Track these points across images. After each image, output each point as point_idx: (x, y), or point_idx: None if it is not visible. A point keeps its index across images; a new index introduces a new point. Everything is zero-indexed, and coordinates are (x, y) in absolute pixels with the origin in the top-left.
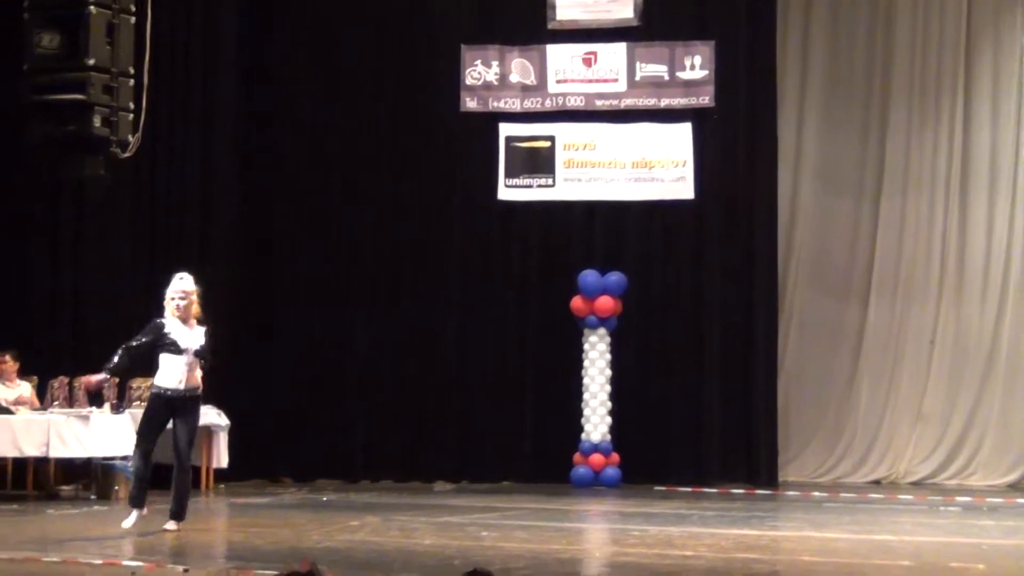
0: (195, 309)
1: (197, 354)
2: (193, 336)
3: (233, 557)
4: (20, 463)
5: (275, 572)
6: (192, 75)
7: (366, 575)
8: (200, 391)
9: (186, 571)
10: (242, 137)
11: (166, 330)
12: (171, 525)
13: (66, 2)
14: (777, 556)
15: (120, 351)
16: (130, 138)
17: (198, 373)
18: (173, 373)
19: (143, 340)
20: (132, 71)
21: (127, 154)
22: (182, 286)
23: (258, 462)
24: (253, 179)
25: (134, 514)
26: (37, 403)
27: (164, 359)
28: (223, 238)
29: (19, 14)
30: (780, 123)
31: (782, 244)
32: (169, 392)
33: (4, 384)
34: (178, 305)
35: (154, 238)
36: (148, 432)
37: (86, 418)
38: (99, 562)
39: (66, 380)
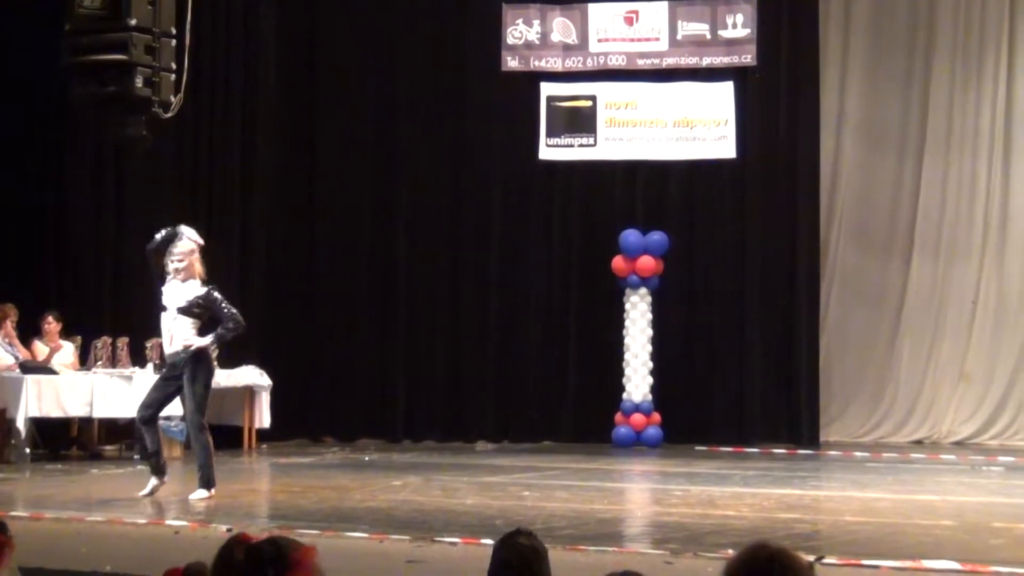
0: (197, 268)
1: (181, 311)
2: (180, 293)
3: (276, 517)
4: (64, 423)
5: (317, 532)
6: (234, 35)
7: (408, 534)
8: (192, 349)
9: (229, 531)
10: (283, 96)
11: (162, 289)
12: (197, 494)
13: None
14: (819, 516)
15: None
16: (172, 98)
17: (188, 333)
18: (164, 334)
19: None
20: (174, 31)
21: (169, 114)
22: (179, 247)
23: (300, 422)
24: (294, 138)
25: (152, 480)
26: (78, 364)
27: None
28: (265, 198)
29: None
30: (822, 81)
31: (824, 203)
32: (167, 357)
33: (47, 345)
34: (176, 268)
35: (195, 198)
36: (145, 398)
37: (129, 378)
38: (143, 522)
39: (109, 340)
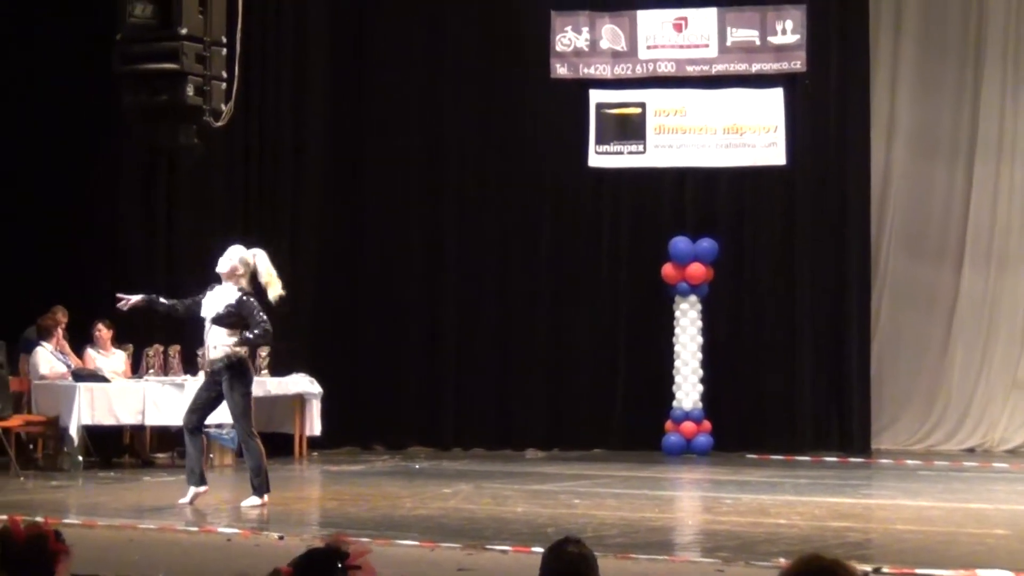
0: (240, 275)
1: (215, 320)
2: (217, 301)
3: (327, 525)
4: (116, 431)
5: (367, 539)
6: (284, 44)
7: (459, 542)
8: (232, 360)
9: (281, 538)
10: (333, 105)
11: (198, 297)
12: (250, 501)
13: None
14: (870, 524)
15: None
16: (223, 107)
17: (225, 341)
18: (205, 342)
19: (173, 302)
20: (224, 40)
21: (220, 123)
22: (230, 251)
23: (351, 430)
24: (344, 147)
25: (190, 490)
26: (130, 372)
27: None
28: (314, 206)
29: None
30: (872, 87)
31: (875, 209)
32: (207, 365)
33: (99, 352)
34: (220, 271)
35: (247, 206)
36: (191, 404)
37: (181, 386)
38: (195, 529)
39: (161, 348)
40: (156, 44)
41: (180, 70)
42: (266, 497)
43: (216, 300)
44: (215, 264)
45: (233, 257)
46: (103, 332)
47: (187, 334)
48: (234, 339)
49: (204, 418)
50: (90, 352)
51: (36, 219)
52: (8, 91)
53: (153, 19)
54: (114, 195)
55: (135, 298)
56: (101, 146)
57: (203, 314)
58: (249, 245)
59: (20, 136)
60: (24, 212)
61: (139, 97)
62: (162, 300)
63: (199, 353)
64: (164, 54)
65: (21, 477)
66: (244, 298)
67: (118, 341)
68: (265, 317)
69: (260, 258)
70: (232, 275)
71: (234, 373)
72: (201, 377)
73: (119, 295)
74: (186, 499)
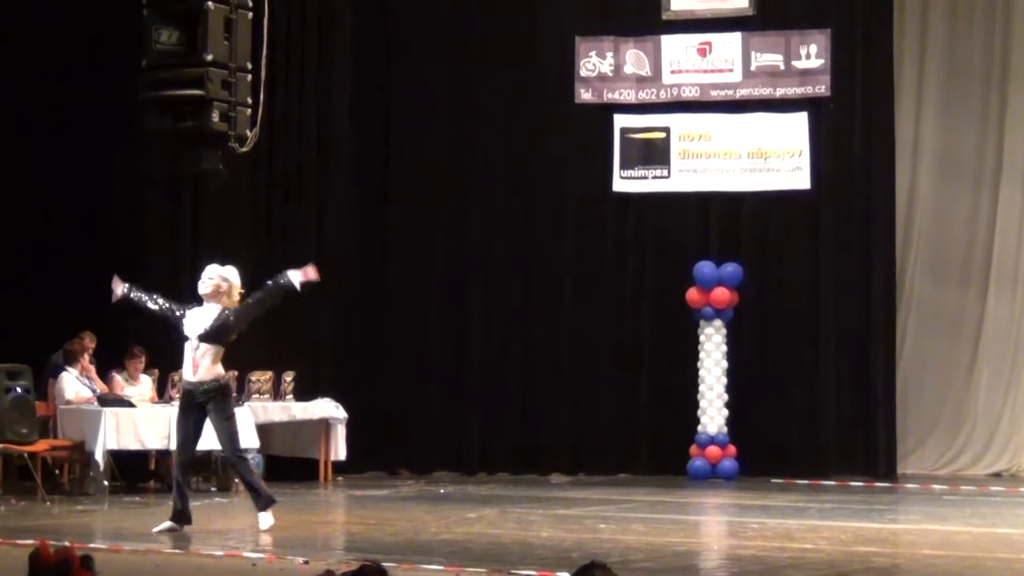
0: (222, 293)
1: (203, 338)
2: (201, 320)
3: (352, 549)
4: (142, 456)
5: (394, 564)
6: (308, 70)
7: (484, 567)
8: (222, 382)
9: (306, 563)
10: (359, 130)
11: (183, 311)
12: (264, 521)
13: None
14: (897, 549)
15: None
16: (248, 133)
17: (216, 365)
18: (186, 363)
19: (168, 304)
20: (250, 66)
21: (245, 149)
22: (210, 269)
23: (376, 455)
24: (368, 173)
25: (166, 523)
26: (156, 397)
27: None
28: (339, 232)
29: (138, 10)
30: (897, 111)
31: (900, 234)
32: (187, 386)
33: (128, 380)
34: (203, 292)
35: (271, 232)
36: (180, 439)
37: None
38: (220, 554)
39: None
40: (182, 70)
41: (205, 96)
42: (274, 506)
43: (200, 319)
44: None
45: (214, 276)
46: (140, 360)
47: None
48: (218, 359)
49: (196, 450)
50: (117, 377)
51: (62, 245)
52: (35, 116)
53: (179, 45)
54: (140, 221)
55: (121, 289)
56: (127, 172)
57: (187, 333)
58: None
59: (47, 161)
60: (50, 237)
61: (164, 123)
62: (157, 299)
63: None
64: (189, 80)
65: (47, 502)
66: (228, 312)
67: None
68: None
69: (234, 274)
70: (216, 294)
71: (221, 396)
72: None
73: (115, 282)
74: (158, 527)
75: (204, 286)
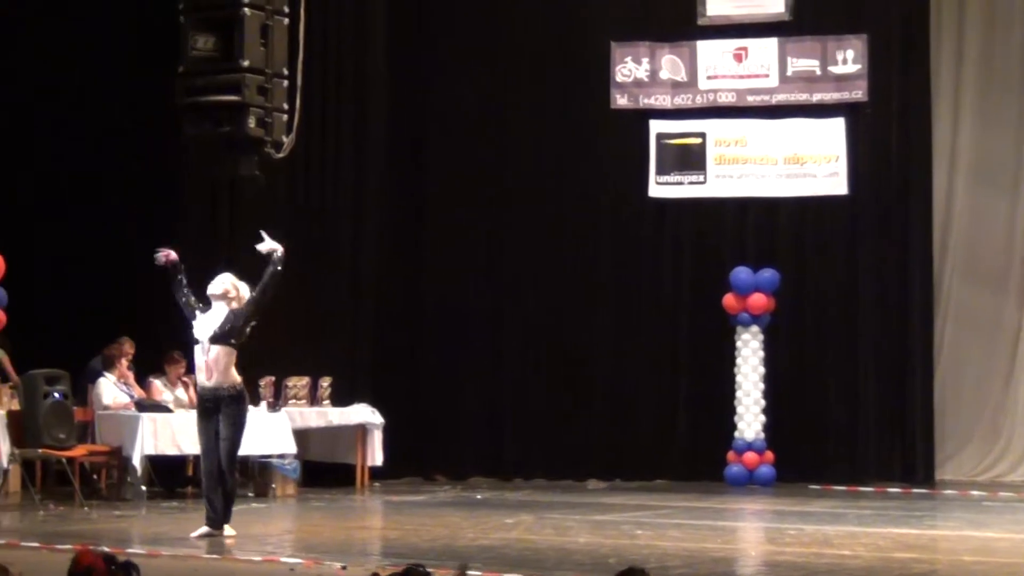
0: (238, 304)
1: (214, 339)
2: (210, 322)
3: (389, 555)
4: (179, 461)
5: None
6: (344, 75)
7: (521, 573)
8: (239, 388)
9: (344, 568)
10: (394, 136)
11: (196, 313)
12: (200, 530)
13: (221, 4)
14: (936, 556)
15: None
16: (284, 138)
17: (232, 370)
18: (198, 368)
19: (192, 298)
20: (286, 72)
21: (281, 154)
22: (222, 276)
23: (412, 460)
24: (405, 177)
25: (203, 528)
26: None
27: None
28: (375, 238)
29: (175, 17)
30: (934, 117)
31: (937, 239)
32: (203, 391)
33: (167, 385)
34: (213, 293)
35: (308, 238)
36: (202, 447)
37: None
38: (258, 559)
39: None
40: (218, 76)
41: (242, 102)
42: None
43: (210, 321)
44: (278, 297)
45: (225, 281)
46: (177, 362)
47: (248, 365)
48: (232, 360)
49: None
50: (156, 383)
51: (101, 251)
52: (73, 122)
53: (215, 51)
54: (177, 227)
55: (168, 257)
56: (165, 177)
57: (198, 336)
58: (309, 277)
59: (86, 169)
60: (89, 244)
61: (201, 129)
62: (187, 289)
63: (261, 383)
64: (226, 86)
65: (85, 507)
66: (241, 314)
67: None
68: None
69: (244, 287)
70: (225, 297)
71: (240, 405)
72: (263, 408)
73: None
74: (195, 532)
75: (215, 286)
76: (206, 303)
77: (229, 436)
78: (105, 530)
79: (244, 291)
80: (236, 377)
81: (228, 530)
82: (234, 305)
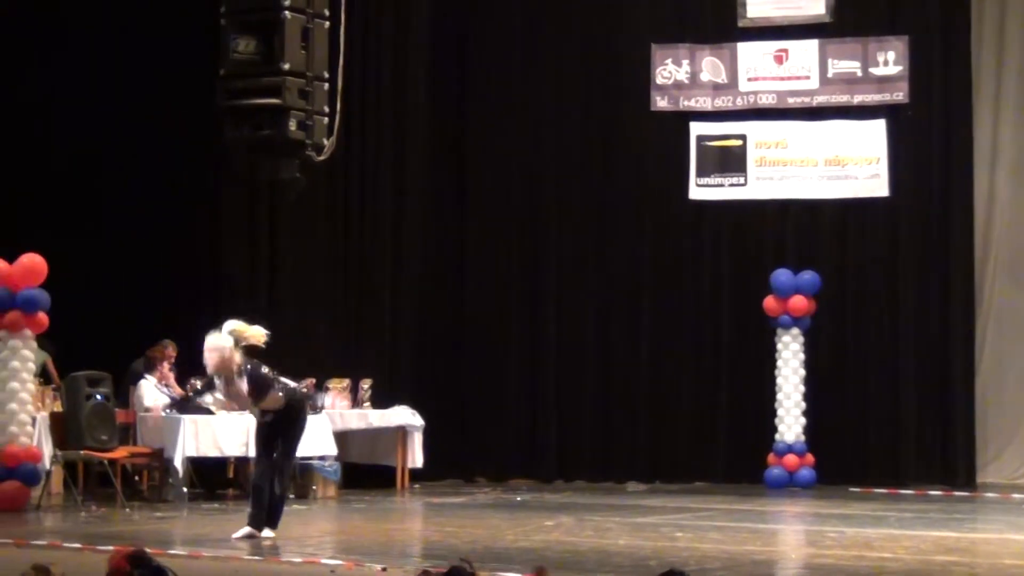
0: (235, 357)
1: (258, 404)
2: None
3: (429, 556)
4: (221, 463)
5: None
6: (385, 78)
7: (562, 575)
8: (282, 405)
9: (384, 570)
10: (435, 139)
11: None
12: (242, 531)
13: (262, 8)
14: (977, 559)
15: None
16: (325, 141)
17: (268, 402)
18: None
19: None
20: (327, 75)
21: (322, 157)
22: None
23: (453, 462)
24: (446, 180)
25: (245, 529)
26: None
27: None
28: (416, 240)
29: (216, 20)
30: (975, 118)
31: (978, 241)
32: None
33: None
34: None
35: (348, 240)
36: (256, 451)
37: None
38: (299, 560)
39: None
40: (259, 79)
41: (283, 105)
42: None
43: (237, 396)
44: (318, 298)
45: (212, 350)
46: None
47: (290, 366)
48: (271, 396)
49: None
50: (198, 384)
51: (143, 253)
52: (114, 125)
53: (256, 54)
54: (218, 230)
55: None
56: (206, 181)
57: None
58: (351, 279)
59: (128, 173)
60: (131, 246)
61: (242, 131)
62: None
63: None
64: (267, 89)
65: (127, 508)
66: (253, 374)
67: None
68: (282, 381)
69: (224, 337)
70: (222, 366)
71: (291, 417)
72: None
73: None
74: (237, 533)
75: (208, 365)
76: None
77: (284, 451)
78: (146, 531)
79: (225, 340)
80: (279, 399)
81: (267, 532)
82: (235, 363)
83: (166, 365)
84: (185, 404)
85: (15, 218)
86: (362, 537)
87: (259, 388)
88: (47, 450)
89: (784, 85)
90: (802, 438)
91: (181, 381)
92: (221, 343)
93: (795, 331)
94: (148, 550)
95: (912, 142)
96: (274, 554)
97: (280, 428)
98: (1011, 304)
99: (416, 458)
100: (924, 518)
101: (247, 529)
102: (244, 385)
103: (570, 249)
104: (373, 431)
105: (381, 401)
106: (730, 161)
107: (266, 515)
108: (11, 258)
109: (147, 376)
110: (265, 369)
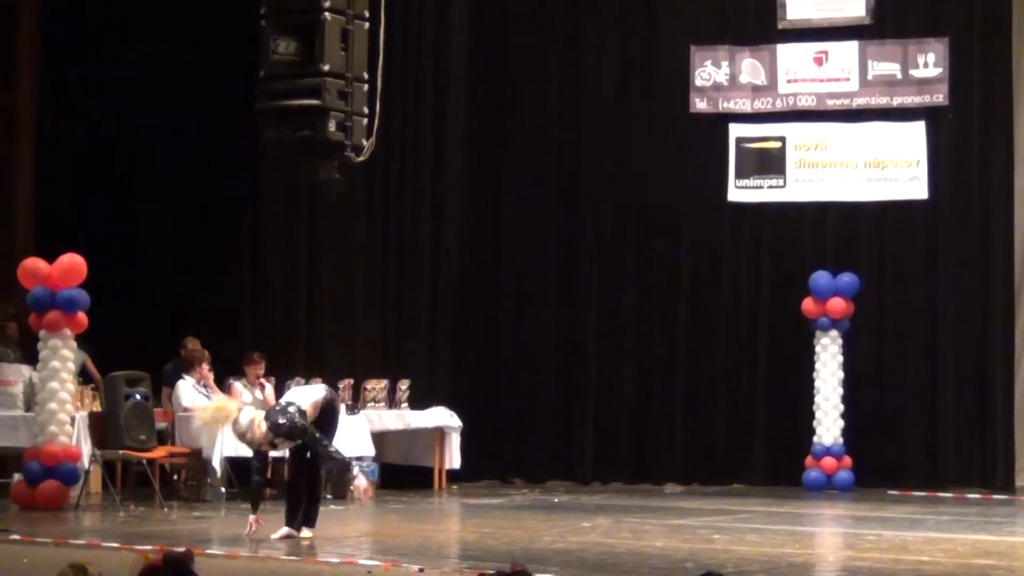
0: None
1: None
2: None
3: (466, 557)
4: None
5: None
6: (424, 79)
7: None
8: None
9: (421, 571)
10: (473, 140)
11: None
12: (304, 532)
13: (302, 9)
14: (1015, 563)
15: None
16: (364, 142)
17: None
18: None
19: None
20: (366, 76)
21: (361, 158)
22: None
23: (490, 463)
24: (484, 182)
25: (284, 529)
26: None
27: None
28: (454, 241)
29: (257, 21)
30: (1016, 120)
31: (1018, 244)
32: None
33: (247, 386)
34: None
35: (387, 241)
36: (291, 453)
37: None
38: (336, 560)
39: (302, 381)
40: (299, 80)
41: (322, 106)
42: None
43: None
44: (357, 300)
45: (243, 441)
46: (260, 365)
47: (327, 366)
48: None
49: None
50: (236, 385)
51: (181, 253)
52: (153, 125)
53: (296, 56)
54: (258, 231)
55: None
56: (243, 182)
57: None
58: (389, 280)
59: (167, 173)
60: (170, 247)
61: (282, 132)
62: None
63: (340, 386)
64: (307, 90)
65: (165, 508)
66: (285, 434)
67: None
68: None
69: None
70: (262, 443)
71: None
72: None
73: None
74: (276, 534)
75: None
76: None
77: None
78: (184, 531)
79: (243, 417)
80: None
81: (306, 532)
82: (258, 432)
83: (205, 366)
84: None
85: (56, 219)
86: (399, 538)
87: (295, 436)
88: (86, 450)
89: (824, 87)
90: (840, 440)
91: (220, 380)
92: (241, 431)
93: (833, 333)
94: (177, 550)
95: (952, 144)
96: (311, 554)
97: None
98: None
99: (453, 459)
100: (962, 521)
101: (285, 529)
102: (288, 443)
103: (608, 251)
104: (410, 432)
105: (419, 402)
106: (769, 163)
107: (304, 515)
108: (51, 258)
109: (185, 376)
110: (283, 420)
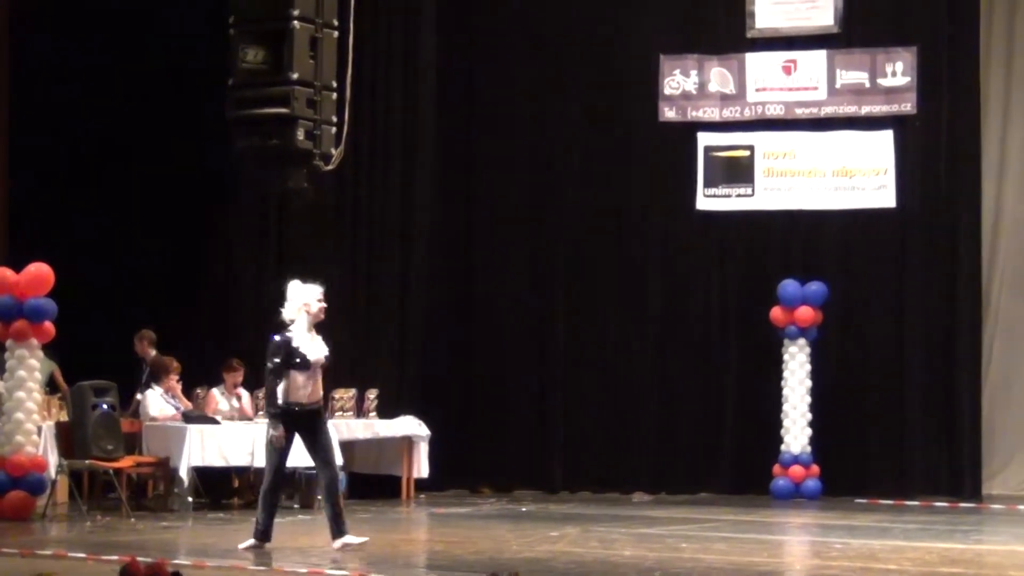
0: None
1: (324, 362)
2: (317, 347)
3: (434, 567)
4: (226, 472)
5: None
6: (393, 88)
7: None
8: (322, 403)
9: None
10: (443, 148)
11: (295, 344)
12: (348, 539)
13: (270, 17)
14: (982, 571)
15: (271, 387)
16: (333, 151)
17: (320, 385)
18: (303, 387)
19: (278, 362)
20: (335, 84)
21: (330, 167)
22: (320, 291)
23: (458, 473)
24: (453, 190)
25: (250, 540)
26: (250, 413)
27: (291, 375)
28: (423, 249)
29: (225, 30)
30: (983, 129)
31: (986, 252)
32: (296, 408)
33: (225, 393)
34: (320, 311)
35: (355, 249)
36: (278, 460)
37: None
38: (303, 570)
39: None
40: (267, 89)
41: (291, 115)
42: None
43: (317, 346)
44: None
45: (295, 299)
46: (239, 373)
47: None
48: None
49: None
50: (214, 392)
51: (150, 263)
52: (123, 136)
53: (265, 64)
54: (226, 239)
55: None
56: (212, 191)
57: (310, 359)
58: (359, 288)
59: (135, 182)
60: (139, 255)
61: (251, 141)
62: (276, 403)
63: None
64: (275, 99)
65: (132, 518)
66: (273, 345)
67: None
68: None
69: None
70: (306, 312)
71: (323, 414)
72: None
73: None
74: (243, 544)
75: (322, 311)
76: (282, 326)
77: (327, 442)
78: (152, 541)
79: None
80: (321, 393)
81: (350, 539)
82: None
83: (174, 377)
84: (191, 416)
85: (22, 227)
86: (367, 547)
87: (270, 349)
88: (53, 459)
89: (792, 96)
90: (808, 449)
91: (188, 391)
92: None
93: (801, 342)
94: (156, 559)
95: (919, 153)
96: (278, 564)
97: (307, 427)
98: (1018, 315)
99: (422, 468)
100: (930, 530)
101: (252, 540)
102: (318, 346)
103: (577, 260)
104: (378, 441)
105: (387, 411)
106: (738, 172)
107: (333, 526)
108: (18, 267)
109: (153, 386)
110: (279, 337)
